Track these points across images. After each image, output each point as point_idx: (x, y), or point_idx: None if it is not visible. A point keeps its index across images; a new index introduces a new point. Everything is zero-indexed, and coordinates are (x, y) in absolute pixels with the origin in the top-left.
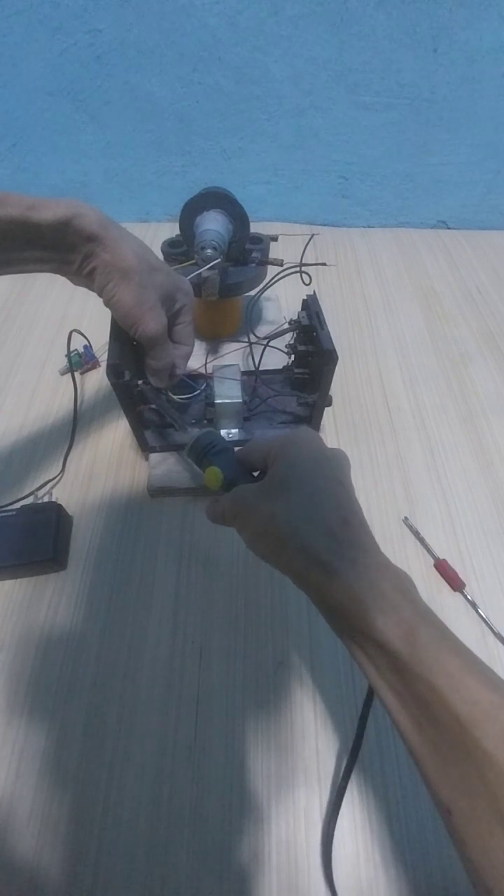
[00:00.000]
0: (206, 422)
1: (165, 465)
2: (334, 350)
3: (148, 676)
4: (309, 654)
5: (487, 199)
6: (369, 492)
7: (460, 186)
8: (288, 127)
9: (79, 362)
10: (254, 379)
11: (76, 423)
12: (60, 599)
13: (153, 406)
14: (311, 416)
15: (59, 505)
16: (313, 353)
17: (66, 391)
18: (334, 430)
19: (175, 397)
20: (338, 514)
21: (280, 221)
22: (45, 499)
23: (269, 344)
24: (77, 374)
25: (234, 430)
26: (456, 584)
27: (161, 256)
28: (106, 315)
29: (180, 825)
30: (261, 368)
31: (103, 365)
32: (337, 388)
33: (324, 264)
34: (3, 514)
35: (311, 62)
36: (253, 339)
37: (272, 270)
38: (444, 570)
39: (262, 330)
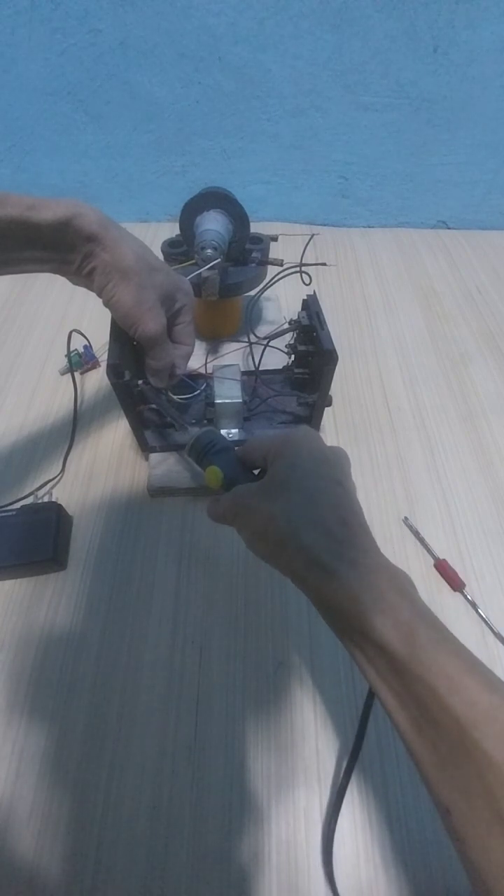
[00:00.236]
0: (206, 422)
1: (165, 465)
2: (334, 350)
3: (148, 676)
4: (309, 654)
5: (487, 199)
6: (369, 492)
7: (460, 186)
8: (288, 127)
9: (79, 362)
10: (254, 379)
11: (76, 423)
12: (60, 599)
13: (153, 406)
14: (311, 416)
15: (59, 505)
16: (313, 353)
17: (66, 391)
18: (334, 430)
19: (175, 397)
20: (337, 515)
21: (280, 221)
22: (45, 499)
23: (269, 344)
24: (77, 374)
25: (234, 430)
26: (456, 584)
27: (161, 256)
28: (106, 315)
29: (180, 825)
30: (261, 368)
31: (103, 365)
32: (337, 388)
33: (324, 264)
34: (3, 514)
35: (311, 62)
36: (253, 339)
37: (272, 270)
38: (444, 570)
39: (262, 330)
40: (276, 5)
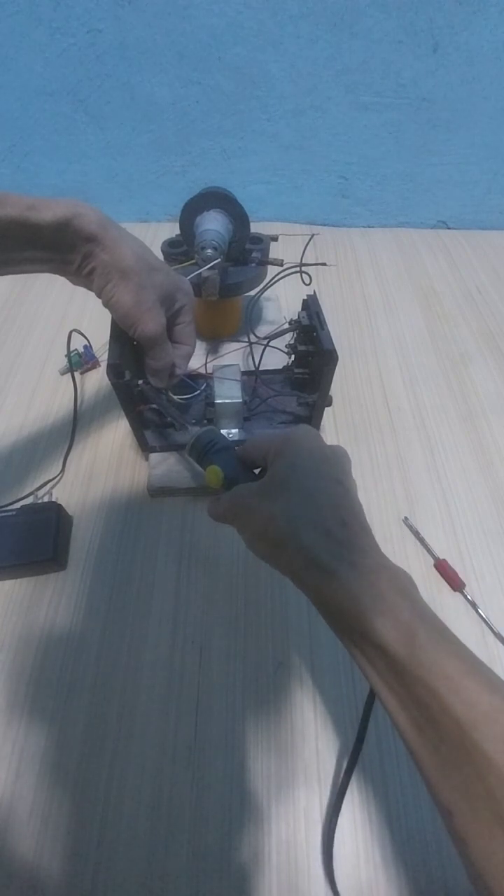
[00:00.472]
0: (206, 422)
1: (165, 465)
2: (334, 350)
3: (148, 676)
4: (309, 654)
5: (487, 199)
6: (369, 492)
7: (460, 186)
8: (288, 127)
9: (79, 362)
10: (254, 379)
11: (76, 423)
12: (60, 599)
13: (153, 406)
14: (311, 416)
15: (59, 505)
16: (313, 353)
17: (66, 391)
18: (334, 430)
19: (175, 397)
20: (337, 515)
21: (280, 221)
22: (45, 499)
23: (269, 344)
24: (77, 374)
25: (234, 430)
26: (456, 584)
27: (161, 256)
28: (106, 315)
29: (180, 825)
30: (261, 368)
31: (103, 365)
32: (337, 388)
33: (324, 264)
34: (3, 514)
35: (311, 62)
36: (253, 339)
37: (272, 270)
38: (444, 570)
39: (262, 330)
40: (276, 5)
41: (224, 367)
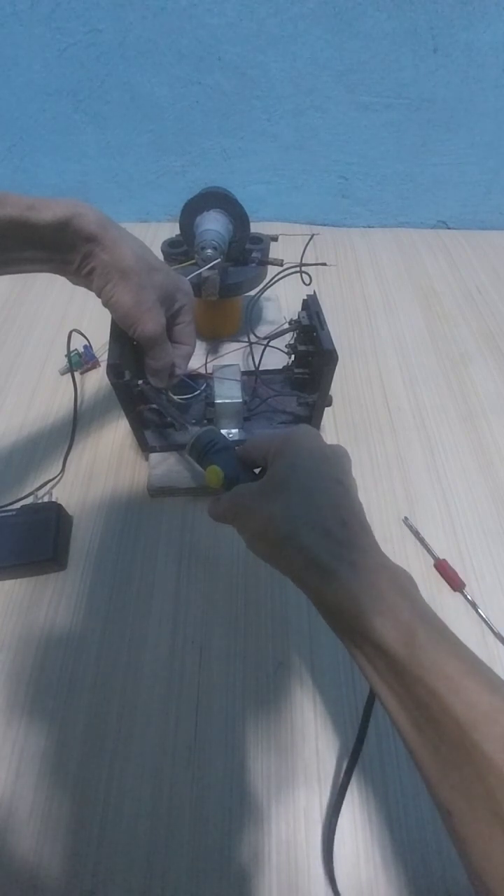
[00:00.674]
0: (206, 422)
1: (165, 465)
2: (334, 350)
3: (148, 676)
4: (309, 654)
5: (487, 199)
6: (369, 492)
7: (460, 186)
8: (288, 127)
9: (79, 362)
10: (254, 379)
11: (76, 423)
12: (60, 599)
13: (153, 406)
14: (311, 416)
15: (59, 505)
16: (313, 353)
17: (66, 391)
18: (334, 430)
19: (175, 397)
20: (336, 515)
21: (280, 221)
22: (45, 499)
23: (269, 344)
24: (77, 374)
25: (234, 430)
26: (456, 584)
27: (161, 256)
28: (106, 315)
29: (180, 825)
30: (261, 368)
31: (103, 365)
32: (337, 388)
33: (324, 264)
34: (3, 514)
35: (311, 62)
36: (253, 339)
37: (272, 270)
38: (444, 570)
39: (262, 330)
40: (276, 5)
41: (224, 367)
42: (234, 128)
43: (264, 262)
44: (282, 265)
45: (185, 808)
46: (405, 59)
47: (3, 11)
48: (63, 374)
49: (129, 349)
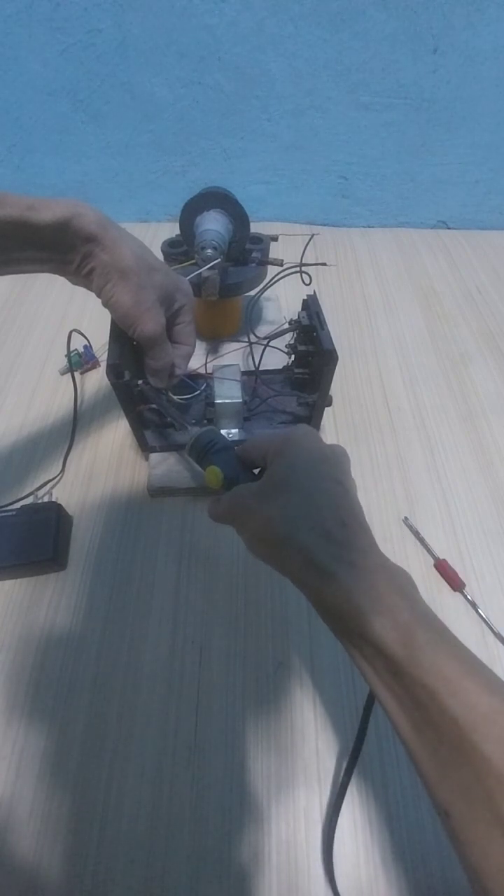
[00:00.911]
0: (206, 422)
1: (165, 465)
2: (334, 350)
3: (148, 676)
4: (309, 654)
5: (487, 199)
6: (369, 492)
7: (460, 186)
8: (288, 127)
9: (79, 362)
10: (254, 379)
11: (76, 423)
12: (60, 599)
13: (153, 406)
14: (311, 416)
15: (59, 505)
16: (313, 353)
17: (66, 391)
18: (334, 430)
19: (175, 397)
20: (335, 516)
21: (280, 221)
22: (45, 499)
23: (269, 344)
24: (77, 374)
25: (234, 430)
26: (456, 584)
27: (161, 256)
28: (106, 315)
29: (180, 825)
30: (261, 368)
31: (103, 365)
32: (337, 388)
33: (324, 264)
34: (3, 514)
35: (311, 62)
36: (253, 339)
37: (272, 270)
38: (444, 570)
39: (262, 330)
40: (276, 5)
41: (224, 367)
42: (234, 128)
43: (264, 262)
44: (282, 265)
45: (185, 808)
46: (405, 59)
47: (3, 11)
48: (63, 374)
49: (129, 349)
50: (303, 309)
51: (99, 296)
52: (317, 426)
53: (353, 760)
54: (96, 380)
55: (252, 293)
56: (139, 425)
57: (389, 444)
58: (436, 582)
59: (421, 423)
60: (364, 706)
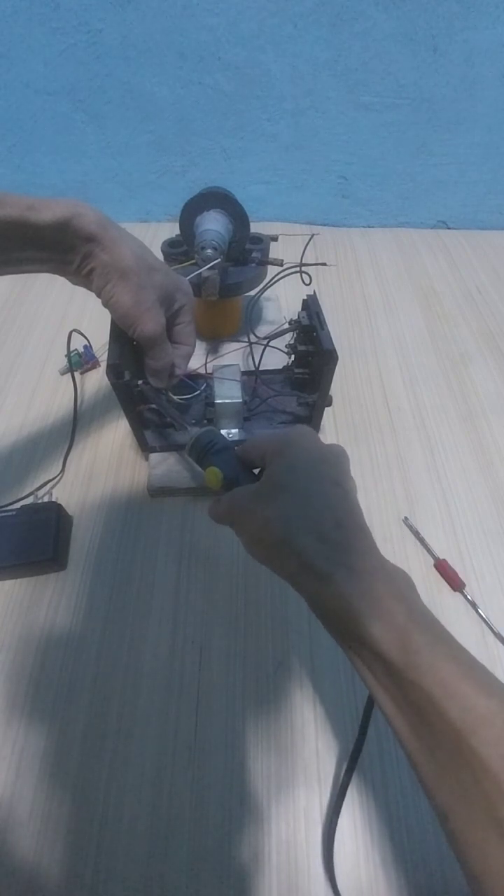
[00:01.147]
0: (206, 422)
1: (165, 465)
2: (334, 350)
3: (148, 676)
4: (309, 654)
5: (487, 199)
6: (369, 492)
7: (460, 186)
8: (288, 127)
9: (79, 362)
10: (254, 379)
11: (76, 423)
12: (60, 599)
13: (153, 406)
14: (311, 416)
15: (59, 505)
16: (313, 353)
17: (66, 391)
18: (334, 430)
19: (175, 397)
20: (333, 518)
21: (280, 221)
22: (45, 499)
23: (269, 344)
24: (77, 374)
25: (234, 430)
26: (456, 584)
27: (161, 256)
28: (106, 315)
29: (180, 825)
30: (261, 368)
31: (103, 365)
32: (337, 388)
33: (324, 264)
34: (3, 514)
35: (311, 62)
36: (253, 339)
37: (272, 270)
38: (444, 570)
39: (262, 330)
40: (276, 5)
41: (224, 367)
42: (234, 128)
43: (264, 262)
44: (282, 265)
45: (185, 808)
46: (405, 59)
47: (3, 11)
48: (63, 374)
49: (129, 349)
50: (303, 309)
51: (99, 296)
52: (317, 426)
53: (353, 760)
54: (96, 380)
55: (252, 293)
56: (139, 425)
57: (389, 444)
58: (436, 582)
59: (421, 423)
60: (364, 706)
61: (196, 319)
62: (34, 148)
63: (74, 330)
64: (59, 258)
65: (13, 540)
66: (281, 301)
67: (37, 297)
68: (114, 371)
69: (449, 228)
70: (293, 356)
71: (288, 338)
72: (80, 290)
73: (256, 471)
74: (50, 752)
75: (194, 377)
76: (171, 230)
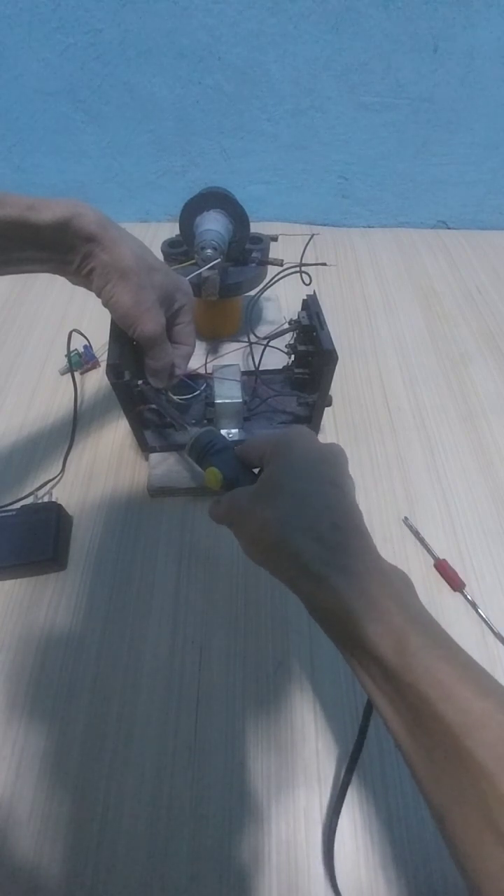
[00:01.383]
0: (206, 422)
1: (165, 465)
2: (334, 350)
3: (148, 676)
4: (309, 654)
5: (487, 199)
6: (369, 492)
7: (460, 186)
8: (288, 127)
9: (79, 362)
10: (254, 379)
11: (76, 423)
12: (60, 599)
13: (153, 406)
14: (311, 416)
15: (59, 505)
16: (313, 353)
17: (66, 391)
18: (334, 430)
19: (175, 397)
20: (329, 519)
21: (280, 221)
22: (45, 499)
23: (269, 344)
24: (77, 374)
25: (234, 430)
26: (456, 584)
27: (161, 256)
28: (106, 315)
29: (180, 825)
30: (261, 368)
31: (103, 365)
32: (337, 388)
33: (324, 264)
34: (3, 514)
35: (311, 62)
36: (253, 339)
37: (272, 270)
38: (444, 570)
39: (262, 330)
40: (276, 5)
41: (224, 367)
42: (234, 128)
43: (264, 262)
44: (282, 265)
45: (185, 808)
46: (405, 59)
47: (3, 11)
48: (63, 374)
49: (129, 349)
50: (303, 309)
51: (99, 296)
52: (317, 426)
53: (353, 760)
54: (96, 380)
55: (252, 293)
56: (139, 425)
57: (389, 444)
58: (436, 582)
59: (421, 423)
60: (364, 706)
61: (196, 319)
62: (34, 148)
63: (74, 330)
64: (59, 258)
65: (13, 540)
66: (281, 301)
67: (37, 297)
68: (114, 371)
69: (449, 228)
70: (293, 356)
71: (288, 338)
72: (80, 290)
73: (256, 471)
74: (50, 752)
75: (194, 377)
76: (171, 230)
